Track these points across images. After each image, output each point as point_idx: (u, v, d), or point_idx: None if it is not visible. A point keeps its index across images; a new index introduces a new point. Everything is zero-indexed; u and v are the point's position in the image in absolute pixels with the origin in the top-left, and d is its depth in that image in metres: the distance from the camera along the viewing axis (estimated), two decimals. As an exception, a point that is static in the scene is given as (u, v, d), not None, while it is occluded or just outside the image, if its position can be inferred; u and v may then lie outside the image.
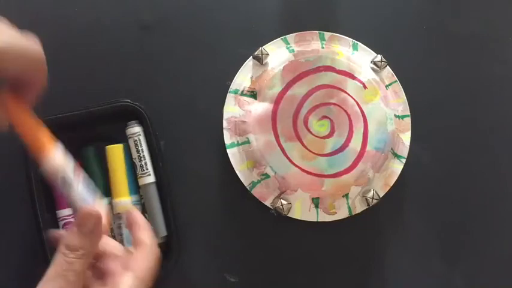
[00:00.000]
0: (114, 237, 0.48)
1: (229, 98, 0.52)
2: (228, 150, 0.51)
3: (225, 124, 0.51)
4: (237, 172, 0.51)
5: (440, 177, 0.54)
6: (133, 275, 0.32)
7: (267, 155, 0.49)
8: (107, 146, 0.49)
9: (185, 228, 0.50)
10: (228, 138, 0.51)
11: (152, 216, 0.48)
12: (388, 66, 0.53)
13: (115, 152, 0.49)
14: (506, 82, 0.56)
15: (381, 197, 0.51)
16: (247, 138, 0.50)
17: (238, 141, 0.51)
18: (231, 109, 0.52)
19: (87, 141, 0.50)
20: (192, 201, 0.51)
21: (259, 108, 0.50)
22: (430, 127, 0.54)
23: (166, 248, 0.49)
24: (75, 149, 0.49)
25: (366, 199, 0.50)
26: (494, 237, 0.54)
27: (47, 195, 0.47)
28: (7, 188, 0.50)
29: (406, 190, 0.53)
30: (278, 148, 0.49)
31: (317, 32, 0.54)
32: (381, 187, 0.51)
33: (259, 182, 0.50)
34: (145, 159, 0.49)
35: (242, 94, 0.52)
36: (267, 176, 0.50)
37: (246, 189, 0.50)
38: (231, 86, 0.52)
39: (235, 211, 0.52)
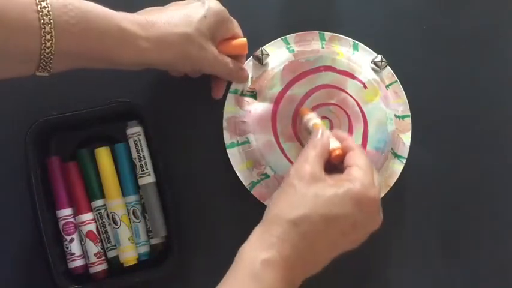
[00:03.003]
0: (100, 234, 0.49)
1: (229, 98, 0.52)
2: (228, 150, 0.51)
3: (225, 124, 0.51)
4: (237, 172, 0.51)
5: (440, 177, 0.54)
6: (358, 167, 0.41)
7: (267, 155, 0.49)
8: (95, 149, 0.49)
9: (185, 228, 0.50)
10: (228, 138, 0.51)
11: (152, 216, 0.48)
12: (388, 66, 0.53)
13: (103, 154, 0.49)
14: (506, 82, 0.56)
15: (381, 197, 0.50)
16: (247, 138, 0.50)
17: (238, 141, 0.51)
18: (231, 109, 0.52)
19: (87, 141, 0.50)
20: (192, 201, 0.51)
21: (259, 108, 0.50)
22: (430, 127, 0.54)
23: (166, 248, 0.49)
24: (75, 149, 0.50)
25: (366, 199, 0.50)
26: (494, 237, 0.54)
27: (47, 195, 0.47)
28: (7, 188, 0.50)
29: (406, 190, 0.53)
30: (278, 148, 0.49)
31: (317, 32, 0.54)
32: (381, 187, 0.51)
33: (259, 182, 0.50)
34: (145, 159, 0.49)
35: (242, 94, 0.52)
36: (266, 176, 0.50)
37: (246, 189, 0.50)
38: (231, 86, 0.52)
39: (235, 211, 0.52)
